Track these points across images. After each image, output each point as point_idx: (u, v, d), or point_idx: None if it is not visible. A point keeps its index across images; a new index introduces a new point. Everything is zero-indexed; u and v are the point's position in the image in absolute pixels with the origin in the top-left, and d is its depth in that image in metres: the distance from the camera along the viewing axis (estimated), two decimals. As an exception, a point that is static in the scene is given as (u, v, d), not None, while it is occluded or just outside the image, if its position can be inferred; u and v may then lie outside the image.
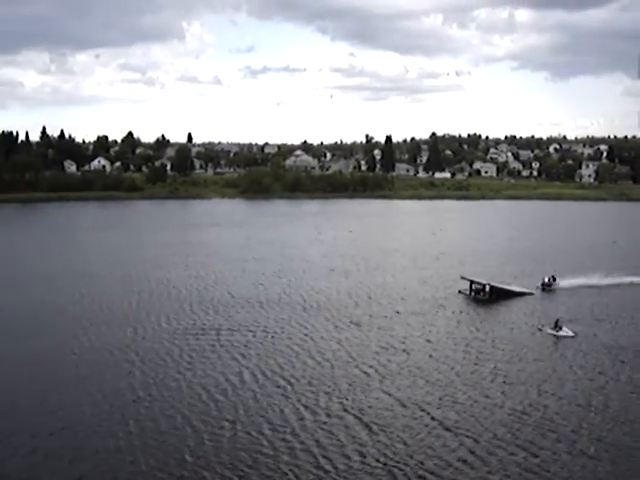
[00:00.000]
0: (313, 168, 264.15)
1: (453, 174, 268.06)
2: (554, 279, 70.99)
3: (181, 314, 58.43)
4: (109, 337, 51.52)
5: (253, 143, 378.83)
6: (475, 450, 32.96)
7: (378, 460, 31.87)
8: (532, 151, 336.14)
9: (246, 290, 68.59)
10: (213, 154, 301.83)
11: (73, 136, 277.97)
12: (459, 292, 68.02)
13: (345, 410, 37.66)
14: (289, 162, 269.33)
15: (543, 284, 70.37)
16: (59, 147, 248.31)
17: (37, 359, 46.39)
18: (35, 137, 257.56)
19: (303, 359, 46.69)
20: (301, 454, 32.47)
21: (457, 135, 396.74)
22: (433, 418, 36.72)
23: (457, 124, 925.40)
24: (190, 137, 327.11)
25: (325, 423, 35.94)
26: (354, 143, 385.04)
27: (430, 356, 47.92)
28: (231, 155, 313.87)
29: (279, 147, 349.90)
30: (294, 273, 77.83)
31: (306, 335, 52.69)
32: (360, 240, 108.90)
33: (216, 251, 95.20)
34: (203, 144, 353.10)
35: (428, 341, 51.47)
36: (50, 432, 34.63)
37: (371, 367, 45.18)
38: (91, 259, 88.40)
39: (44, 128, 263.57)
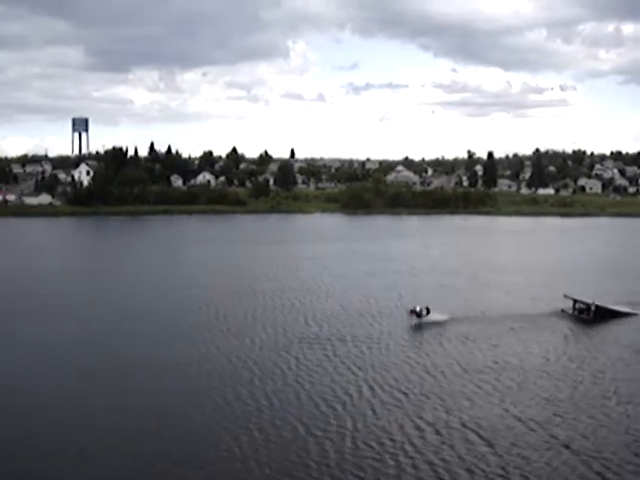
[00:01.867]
0: (414, 184, 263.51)
1: (557, 190, 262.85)
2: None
3: (295, 325, 59.19)
4: (228, 346, 52.60)
5: (354, 159, 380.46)
6: (600, 471, 32.30)
7: (502, 476, 31.68)
8: (639, 167, 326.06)
9: (358, 302, 68.97)
10: (315, 169, 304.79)
11: (180, 151, 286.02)
12: (562, 311, 66.44)
13: (464, 425, 37.33)
14: (390, 178, 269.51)
15: None
16: (166, 162, 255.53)
17: (160, 368, 47.89)
18: (143, 152, 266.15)
19: (418, 372, 46.64)
20: (425, 468, 32.30)
21: (561, 151, 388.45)
22: (554, 436, 36.10)
23: (561, 140, 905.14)
24: (293, 153, 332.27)
25: (445, 438, 35.82)
26: (456, 159, 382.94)
27: (546, 373, 47.12)
28: (332, 170, 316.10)
29: (380, 163, 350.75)
30: (403, 287, 77.67)
31: (419, 349, 52.79)
32: (466, 256, 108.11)
33: (324, 265, 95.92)
34: (305, 159, 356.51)
35: (544, 358, 50.75)
36: (175, 438, 35.77)
37: (487, 383, 44.69)
38: (201, 271, 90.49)
39: (152, 144, 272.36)
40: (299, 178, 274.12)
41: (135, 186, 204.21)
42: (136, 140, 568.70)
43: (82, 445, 34.46)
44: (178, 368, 47.50)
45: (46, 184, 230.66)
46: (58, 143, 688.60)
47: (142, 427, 37.04)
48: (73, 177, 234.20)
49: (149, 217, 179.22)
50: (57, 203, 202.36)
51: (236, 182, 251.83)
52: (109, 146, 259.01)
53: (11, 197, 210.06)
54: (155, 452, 33.91)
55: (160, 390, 43.04)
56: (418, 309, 60.04)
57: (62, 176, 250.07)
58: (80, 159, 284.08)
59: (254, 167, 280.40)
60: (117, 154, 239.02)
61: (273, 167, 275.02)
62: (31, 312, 64.81)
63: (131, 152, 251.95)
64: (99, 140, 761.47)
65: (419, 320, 59.83)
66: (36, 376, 45.68)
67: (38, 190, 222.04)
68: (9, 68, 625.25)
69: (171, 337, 55.60)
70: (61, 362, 49.12)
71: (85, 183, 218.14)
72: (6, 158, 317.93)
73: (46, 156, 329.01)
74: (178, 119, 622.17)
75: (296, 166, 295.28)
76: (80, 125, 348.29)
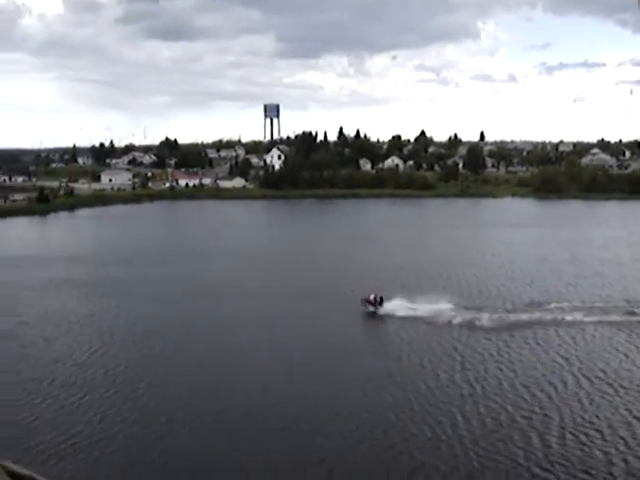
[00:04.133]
0: (611, 167, 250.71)
1: None
2: None
3: (497, 310, 57.49)
4: (432, 335, 52.32)
5: (547, 141, 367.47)
6: None
7: None
8: None
9: (564, 289, 66.45)
10: (505, 152, 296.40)
11: (368, 136, 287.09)
12: None
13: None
14: (585, 161, 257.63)
15: None
16: (355, 146, 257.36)
17: (366, 351, 47.97)
18: (333, 137, 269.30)
19: (627, 367, 44.06)
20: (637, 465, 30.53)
21: None
22: None
23: None
24: (482, 135, 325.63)
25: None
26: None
27: None
28: (524, 153, 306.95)
29: (574, 145, 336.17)
30: (609, 276, 73.64)
31: (628, 342, 49.71)
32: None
33: (520, 250, 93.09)
34: (495, 142, 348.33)
35: None
36: (382, 422, 35.39)
37: None
38: (392, 254, 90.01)
39: (341, 128, 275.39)
40: (489, 161, 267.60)
41: (324, 170, 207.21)
42: (325, 125, 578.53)
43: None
44: (379, 350, 47.39)
45: (239, 168, 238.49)
46: (251, 128, 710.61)
47: (348, 411, 37.22)
48: (265, 161, 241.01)
49: (338, 200, 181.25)
50: (250, 186, 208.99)
51: (424, 166, 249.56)
52: (299, 131, 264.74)
53: (206, 181, 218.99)
54: (363, 436, 33.90)
55: (363, 373, 43.00)
56: None
57: (255, 160, 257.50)
58: (272, 144, 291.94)
59: (443, 150, 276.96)
60: (307, 139, 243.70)
61: (462, 150, 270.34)
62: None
63: (321, 137, 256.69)
64: (290, 125, 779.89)
65: None
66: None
67: (232, 174, 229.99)
68: (205, 58, 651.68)
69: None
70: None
71: (276, 167, 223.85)
72: (202, 143, 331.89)
73: (239, 141, 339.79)
74: (367, 103, 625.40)
75: (486, 149, 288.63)
76: (272, 111, 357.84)
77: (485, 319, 54.39)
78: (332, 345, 48.97)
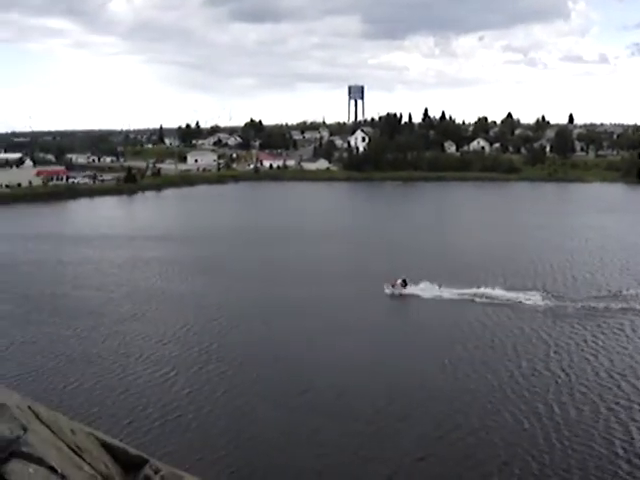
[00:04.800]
0: None
1: None
2: None
3: (588, 298, 56.04)
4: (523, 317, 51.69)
5: (638, 124, 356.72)
6: None
7: None
8: None
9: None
10: (595, 135, 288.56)
11: (453, 117, 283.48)
12: None
13: None
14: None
15: None
16: (440, 128, 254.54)
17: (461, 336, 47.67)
18: (417, 118, 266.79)
19: None
20: None
21: None
22: None
23: None
24: (571, 118, 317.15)
25: None
26: None
27: None
28: (614, 137, 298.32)
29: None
30: None
31: None
32: None
33: (613, 236, 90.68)
34: (585, 125, 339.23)
35: None
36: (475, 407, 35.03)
37: None
38: (479, 240, 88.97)
39: (426, 110, 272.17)
40: (577, 145, 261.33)
41: (408, 152, 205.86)
42: (410, 106, 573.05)
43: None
44: (475, 336, 46.93)
45: (323, 150, 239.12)
46: (335, 110, 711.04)
47: (440, 395, 36.99)
48: (349, 143, 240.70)
49: (422, 183, 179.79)
50: (334, 168, 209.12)
51: (511, 149, 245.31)
52: (384, 113, 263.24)
53: (290, 162, 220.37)
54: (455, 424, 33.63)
55: (456, 358, 42.71)
56: None
57: (338, 142, 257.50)
58: (356, 126, 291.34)
59: (530, 133, 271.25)
60: (391, 120, 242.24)
61: (550, 133, 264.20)
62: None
63: (405, 118, 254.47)
64: (374, 107, 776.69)
65: None
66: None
67: (316, 156, 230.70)
68: (290, 39, 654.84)
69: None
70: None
71: (360, 149, 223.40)
72: (286, 125, 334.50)
73: (324, 123, 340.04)
74: (452, 85, 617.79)
75: (574, 132, 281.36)
76: (356, 92, 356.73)
77: (574, 306, 53.29)
78: (429, 330, 48.87)
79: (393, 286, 58.93)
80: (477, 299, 55.34)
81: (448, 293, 56.94)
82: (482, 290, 57.00)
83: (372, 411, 34.32)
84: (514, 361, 41.64)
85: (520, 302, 54.41)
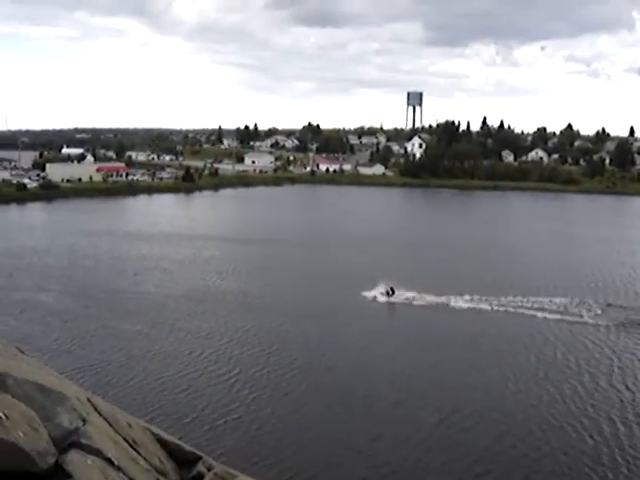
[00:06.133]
0: None
1: None
2: None
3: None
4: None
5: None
6: None
7: None
8: None
9: None
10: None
11: (512, 127, 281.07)
12: None
13: None
14: None
15: None
16: (498, 137, 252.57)
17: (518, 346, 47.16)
18: (476, 127, 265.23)
19: None
20: None
21: None
22: None
23: None
24: (632, 131, 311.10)
25: None
26: None
27: None
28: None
29: None
30: None
31: None
32: None
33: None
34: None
35: None
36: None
37: None
38: (538, 251, 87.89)
39: (484, 118, 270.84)
40: (638, 158, 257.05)
41: (466, 160, 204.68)
42: (468, 114, 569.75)
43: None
44: (536, 349, 46.40)
45: (380, 155, 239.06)
46: (392, 116, 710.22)
47: (503, 409, 36.63)
48: (406, 149, 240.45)
49: (478, 192, 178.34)
50: (390, 174, 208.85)
51: (570, 160, 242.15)
52: (442, 120, 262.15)
53: (347, 167, 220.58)
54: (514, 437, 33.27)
55: (517, 369, 42.23)
56: None
57: (395, 148, 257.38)
58: (413, 132, 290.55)
59: (589, 145, 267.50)
60: (449, 128, 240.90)
61: (610, 145, 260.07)
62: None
63: (463, 126, 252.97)
64: (432, 114, 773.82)
65: None
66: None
67: (372, 161, 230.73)
68: (350, 44, 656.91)
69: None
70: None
71: (417, 155, 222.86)
72: (344, 129, 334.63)
73: (381, 128, 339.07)
74: (512, 94, 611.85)
75: (635, 145, 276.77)
76: (414, 99, 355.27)
77: (638, 321, 52.41)
78: (492, 343, 48.34)
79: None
80: (539, 314, 54.46)
81: (503, 305, 56.41)
82: (541, 300, 56.52)
83: (435, 420, 34.01)
84: (576, 377, 40.93)
85: (581, 315, 53.66)
